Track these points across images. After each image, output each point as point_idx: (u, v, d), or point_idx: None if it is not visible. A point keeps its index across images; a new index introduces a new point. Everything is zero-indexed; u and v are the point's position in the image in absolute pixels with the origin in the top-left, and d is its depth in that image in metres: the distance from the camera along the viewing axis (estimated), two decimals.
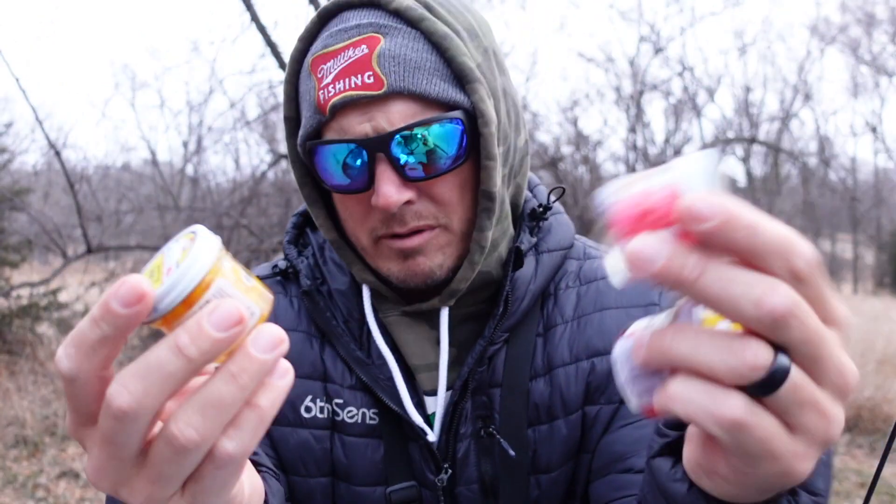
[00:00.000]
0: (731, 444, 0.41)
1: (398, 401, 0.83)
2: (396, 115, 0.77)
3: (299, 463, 0.86)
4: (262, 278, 0.94)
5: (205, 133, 7.99)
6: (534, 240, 0.87)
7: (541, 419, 0.84)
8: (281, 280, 0.93)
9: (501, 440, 0.82)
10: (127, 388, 0.39)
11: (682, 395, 0.41)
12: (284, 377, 0.44)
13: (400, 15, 0.79)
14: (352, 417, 0.85)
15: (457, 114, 0.78)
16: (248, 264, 5.94)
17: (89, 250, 6.76)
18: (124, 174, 9.40)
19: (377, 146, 0.76)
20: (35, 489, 4.67)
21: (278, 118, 7.54)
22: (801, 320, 0.40)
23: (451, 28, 0.80)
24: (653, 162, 9.45)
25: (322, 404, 0.86)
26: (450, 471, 0.82)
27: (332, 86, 0.77)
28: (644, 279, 0.41)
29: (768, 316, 0.39)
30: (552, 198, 0.92)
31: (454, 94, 0.79)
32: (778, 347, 0.41)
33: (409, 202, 0.78)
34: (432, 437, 0.82)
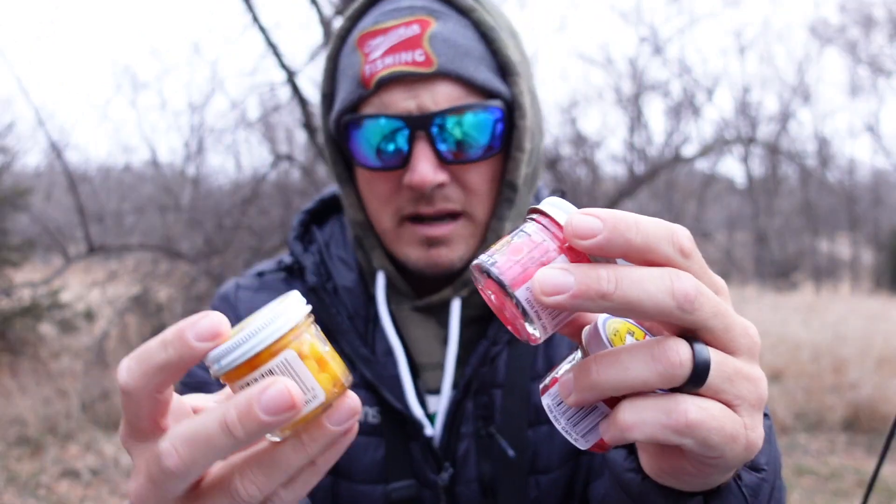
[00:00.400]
0: (694, 446, 0.43)
1: (401, 397, 0.83)
2: (442, 96, 0.78)
3: None
4: (266, 273, 0.94)
5: (206, 134, 7.99)
6: None
7: (540, 420, 0.85)
8: (286, 277, 0.93)
9: (501, 440, 0.82)
10: (177, 450, 0.40)
11: (634, 421, 0.42)
12: (348, 437, 0.45)
13: (451, 2, 0.81)
14: None
15: (498, 103, 0.80)
16: (248, 265, 5.95)
17: (91, 250, 6.76)
18: (126, 174, 9.39)
19: (420, 124, 0.77)
20: (37, 488, 4.66)
21: (279, 119, 7.54)
22: (706, 296, 0.42)
23: (497, 23, 0.83)
24: (652, 162, 9.45)
25: None
26: (451, 470, 0.82)
27: (380, 60, 0.78)
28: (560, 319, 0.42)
29: (685, 300, 0.40)
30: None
31: (497, 85, 0.81)
32: (687, 339, 0.42)
33: (440, 185, 0.79)
34: (430, 430, 0.82)
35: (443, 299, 0.85)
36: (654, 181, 10.10)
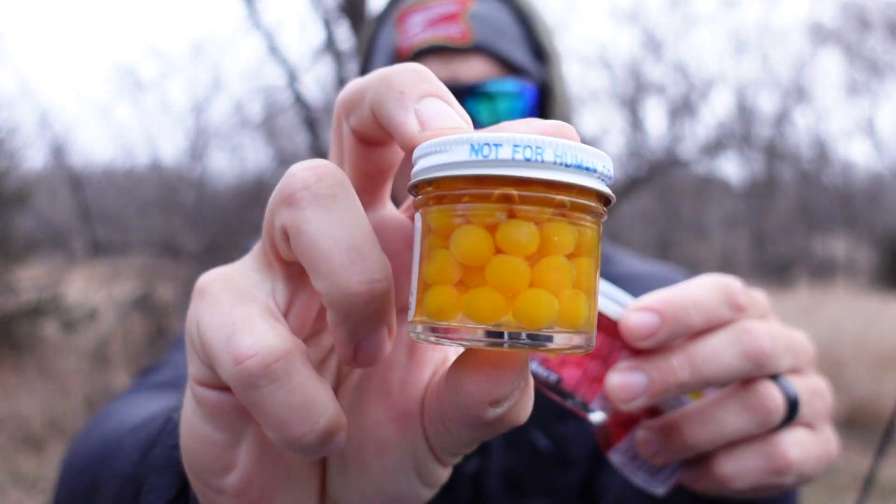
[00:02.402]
0: (793, 480, 0.41)
1: None
2: (477, 70, 0.78)
3: None
4: None
5: (209, 135, 8.01)
6: None
7: (568, 413, 0.83)
8: None
9: (531, 432, 0.81)
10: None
11: (735, 472, 0.40)
12: None
13: None
14: None
15: (531, 83, 0.81)
16: None
17: (94, 250, 6.78)
18: (128, 176, 9.39)
19: (453, 95, 0.78)
20: (40, 487, 4.69)
21: (282, 120, 7.55)
22: (776, 339, 0.40)
23: (533, 11, 0.85)
24: (650, 164, 9.50)
25: None
26: (477, 459, 0.81)
27: (417, 34, 0.79)
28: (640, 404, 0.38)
29: (761, 357, 0.39)
30: None
31: (532, 67, 0.82)
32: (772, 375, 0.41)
33: None
34: None
35: None
36: (653, 182, 10.14)
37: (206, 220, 7.10)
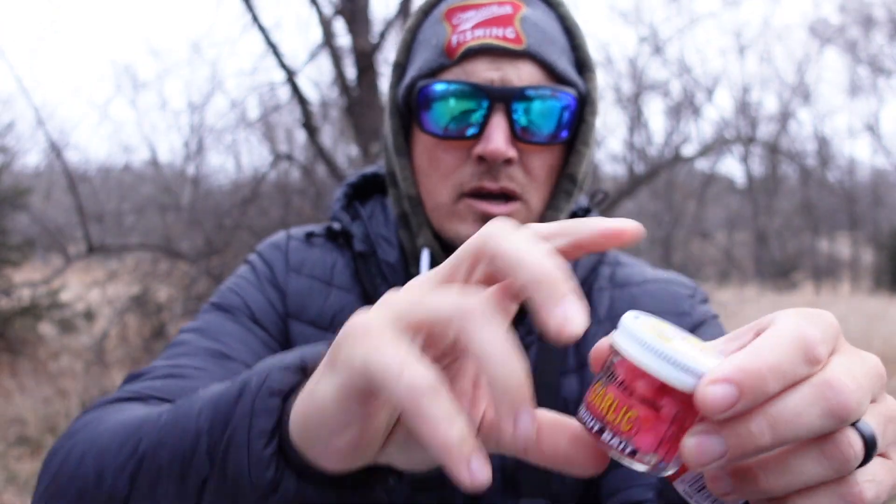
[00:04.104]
0: None
1: None
2: (526, 74, 0.80)
3: None
4: (315, 235, 0.94)
5: (206, 133, 7.99)
6: None
7: (569, 414, 0.82)
8: (334, 243, 0.93)
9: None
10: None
11: None
12: None
13: None
14: None
15: (574, 93, 0.82)
16: None
17: (91, 250, 6.76)
18: (125, 174, 9.40)
19: (501, 96, 0.78)
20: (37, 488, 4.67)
21: (279, 119, 7.54)
22: (861, 386, 0.39)
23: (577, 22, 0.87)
24: (652, 162, 9.45)
25: None
26: None
27: (469, 32, 0.80)
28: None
29: (844, 413, 0.37)
30: (593, 201, 0.95)
31: (574, 77, 0.84)
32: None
33: (508, 161, 0.80)
34: None
35: None
36: (654, 181, 10.11)
37: (203, 220, 7.07)
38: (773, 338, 0.38)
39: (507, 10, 0.81)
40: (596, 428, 0.42)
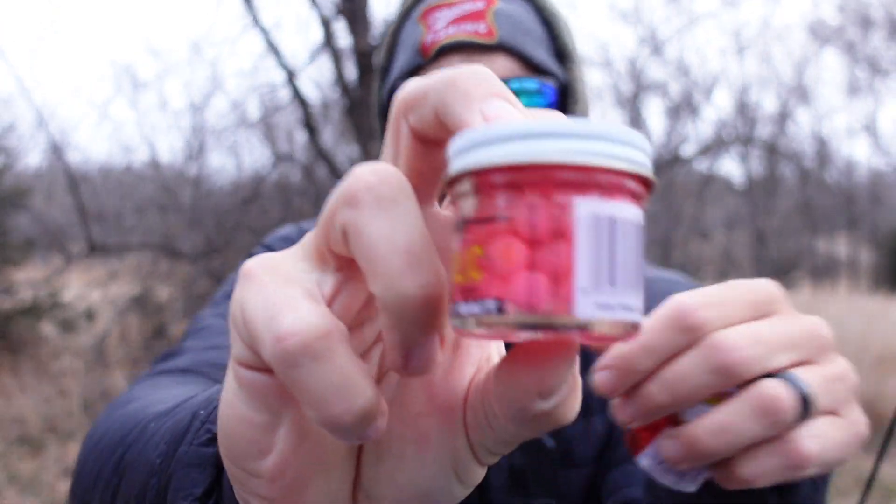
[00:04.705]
0: (817, 470, 0.42)
1: None
2: (500, 69, 0.79)
3: None
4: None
5: (206, 134, 8.00)
6: None
7: (577, 413, 0.82)
8: None
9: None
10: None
11: (754, 473, 0.42)
12: None
13: None
14: None
15: (553, 83, 0.82)
16: None
17: (91, 250, 6.77)
18: (126, 174, 9.39)
19: None
20: (38, 487, 4.68)
21: (280, 119, 7.55)
22: (752, 344, 0.41)
23: (556, 11, 0.86)
24: (654, 161, 9.47)
25: None
26: None
27: (443, 30, 0.81)
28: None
29: (732, 369, 0.40)
30: None
31: (553, 67, 0.83)
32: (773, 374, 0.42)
33: None
34: None
35: None
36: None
37: (204, 220, 7.08)
38: (650, 319, 0.43)
39: (480, 5, 0.81)
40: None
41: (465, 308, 0.27)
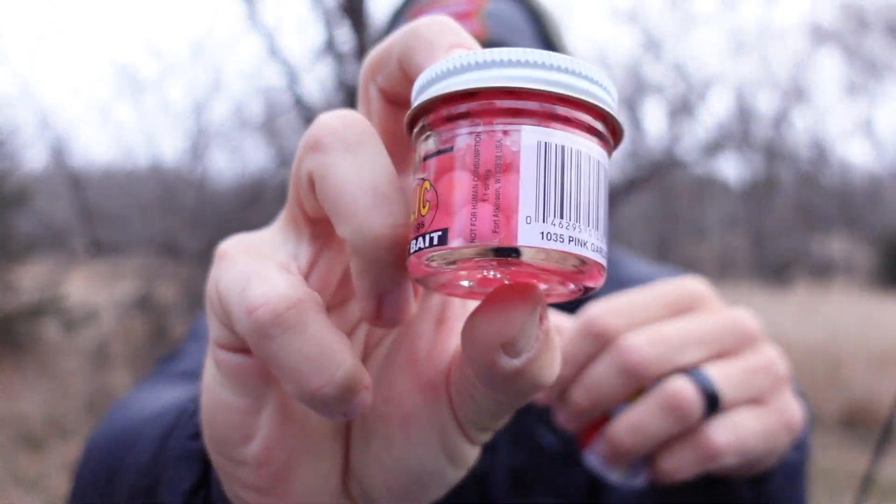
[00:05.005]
0: (738, 460, 0.44)
1: None
2: None
3: None
4: None
5: (209, 135, 8.01)
6: None
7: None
8: None
9: (538, 431, 0.82)
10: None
11: (672, 467, 0.44)
12: None
13: None
14: None
15: None
16: None
17: (94, 251, 6.78)
18: (129, 176, 9.39)
19: None
20: (41, 487, 4.69)
21: (283, 121, 7.56)
22: (654, 345, 0.43)
23: (546, 11, 0.88)
24: (649, 164, 9.51)
25: None
26: (482, 457, 0.80)
27: None
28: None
29: (638, 369, 0.43)
30: None
31: None
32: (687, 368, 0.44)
33: None
34: None
35: None
36: (652, 183, 10.16)
37: (207, 221, 7.10)
38: (564, 331, 0.46)
39: (470, 6, 0.81)
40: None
41: (414, 245, 0.26)
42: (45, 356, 7.02)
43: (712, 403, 0.43)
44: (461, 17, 0.80)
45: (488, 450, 0.82)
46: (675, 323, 0.45)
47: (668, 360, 0.43)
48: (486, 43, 0.80)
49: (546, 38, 0.85)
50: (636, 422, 0.44)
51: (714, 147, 10.39)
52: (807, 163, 15.43)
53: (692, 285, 0.48)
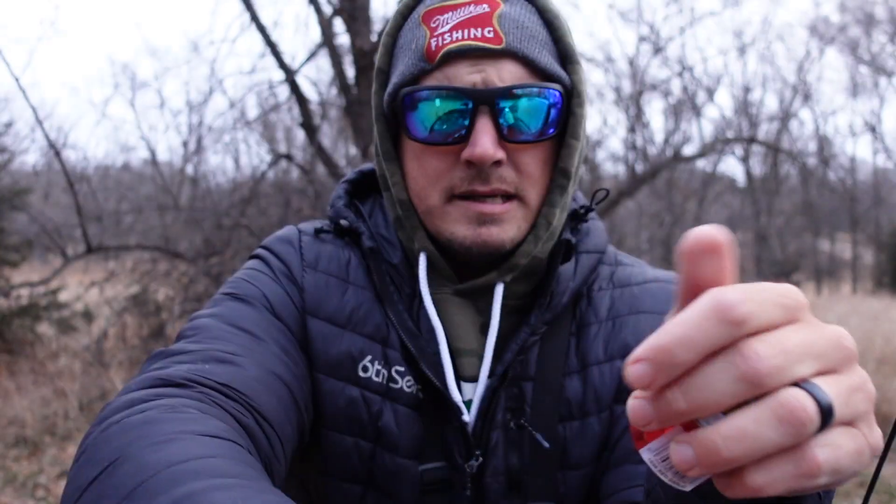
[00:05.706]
0: (828, 481, 0.42)
1: (441, 377, 0.81)
2: (508, 73, 0.79)
3: (343, 420, 0.83)
4: (324, 231, 0.92)
5: (205, 133, 7.99)
6: (574, 240, 0.88)
7: (573, 415, 0.84)
8: (343, 240, 0.91)
9: (535, 433, 0.82)
10: None
11: (765, 482, 0.41)
12: None
13: None
14: (409, 387, 0.83)
15: (559, 87, 0.81)
16: None
17: (89, 250, 6.76)
18: (124, 174, 9.41)
19: (485, 98, 0.78)
20: (35, 489, 4.66)
21: (278, 118, 7.54)
22: (778, 354, 0.40)
23: (558, 13, 0.85)
24: (652, 162, 9.45)
25: (379, 368, 0.84)
26: (481, 458, 0.81)
27: (448, 34, 0.79)
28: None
29: (758, 378, 0.40)
30: (593, 201, 0.92)
31: (558, 70, 0.83)
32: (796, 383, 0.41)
33: (497, 162, 0.79)
34: (468, 417, 0.81)
35: (488, 282, 0.84)
36: (655, 180, 10.10)
37: (202, 220, 7.06)
38: (687, 311, 0.41)
39: (485, 8, 0.80)
40: None
41: None
42: (40, 357, 6.99)
43: (825, 419, 0.41)
44: (476, 20, 0.79)
45: (485, 452, 0.82)
46: (794, 332, 0.43)
47: (788, 371, 0.41)
48: (502, 49, 0.78)
49: (559, 43, 0.84)
50: (744, 430, 0.40)
51: (718, 145, 10.33)
52: (812, 161, 15.37)
53: (798, 292, 0.45)
